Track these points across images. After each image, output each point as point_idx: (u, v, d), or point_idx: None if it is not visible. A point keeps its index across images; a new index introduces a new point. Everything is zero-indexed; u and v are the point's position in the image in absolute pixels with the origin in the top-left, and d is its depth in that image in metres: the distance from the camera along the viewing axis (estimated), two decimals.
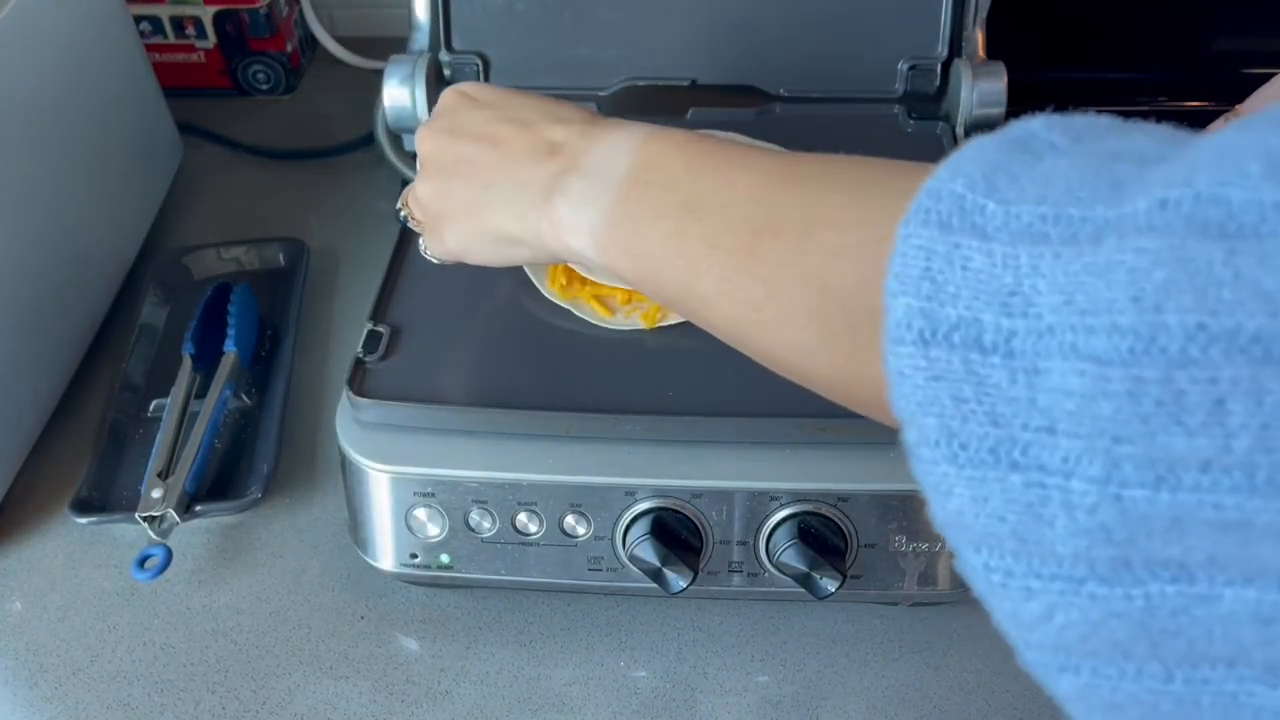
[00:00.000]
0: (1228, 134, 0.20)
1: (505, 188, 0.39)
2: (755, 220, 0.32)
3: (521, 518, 0.47)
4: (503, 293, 0.53)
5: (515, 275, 0.53)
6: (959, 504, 0.23)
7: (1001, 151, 0.24)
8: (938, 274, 0.23)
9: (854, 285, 0.28)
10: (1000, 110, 0.61)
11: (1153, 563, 0.20)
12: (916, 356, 0.23)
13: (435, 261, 0.45)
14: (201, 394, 0.59)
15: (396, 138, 0.69)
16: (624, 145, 0.37)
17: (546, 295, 0.52)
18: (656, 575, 0.45)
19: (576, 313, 0.51)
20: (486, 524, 0.48)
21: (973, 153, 0.25)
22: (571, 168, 0.37)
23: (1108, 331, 0.20)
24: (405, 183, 0.72)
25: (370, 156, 0.78)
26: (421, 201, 0.43)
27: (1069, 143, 0.24)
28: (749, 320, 0.32)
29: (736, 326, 0.33)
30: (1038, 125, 0.25)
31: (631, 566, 0.47)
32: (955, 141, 0.62)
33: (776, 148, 0.58)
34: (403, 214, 0.46)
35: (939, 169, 0.25)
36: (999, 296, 0.22)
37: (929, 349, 0.23)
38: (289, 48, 0.88)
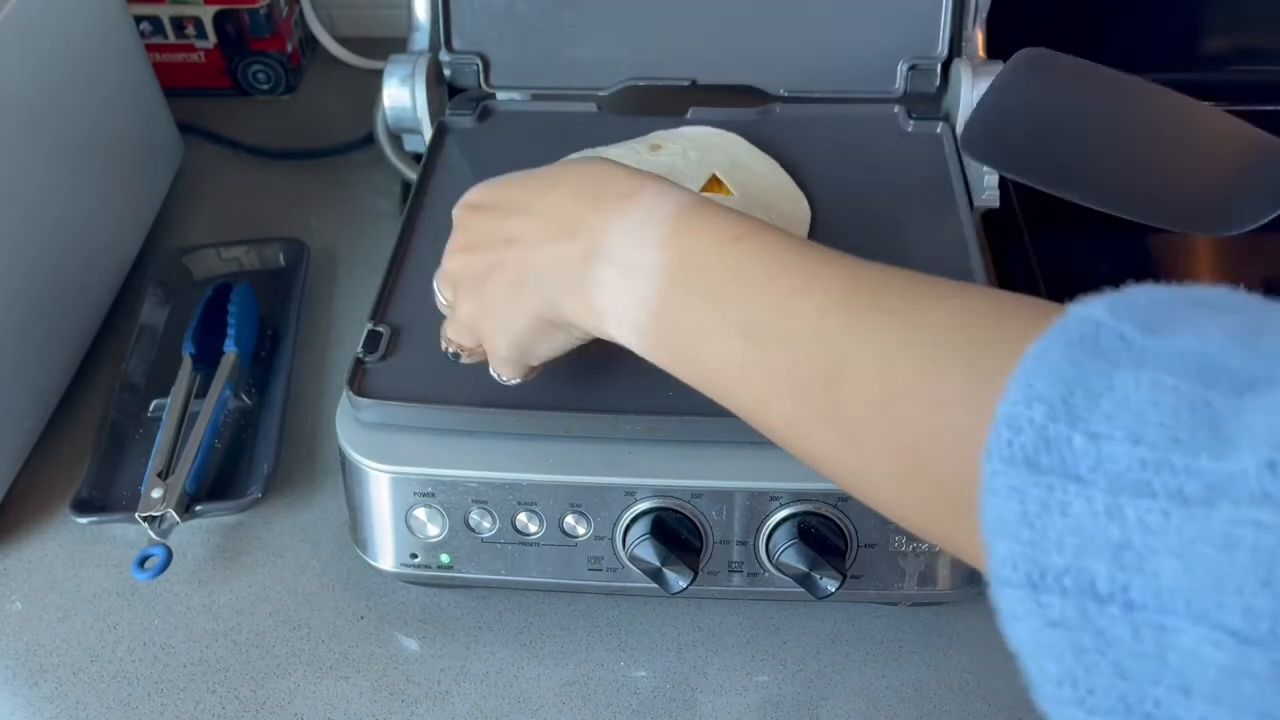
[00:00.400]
0: None
1: (535, 278, 0.37)
2: (828, 365, 0.29)
3: (521, 518, 0.47)
4: None
5: None
6: None
7: (1073, 362, 0.23)
8: (1035, 519, 0.22)
9: (944, 462, 0.26)
10: None
11: None
12: (1028, 601, 0.22)
13: (515, 383, 0.43)
14: (201, 394, 0.59)
15: (396, 138, 0.69)
16: (648, 226, 0.34)
17: None
18: (656, 575, 0.45)
19: None
20: (486, 524, 0.48)
21: (1040, 366, 0.23)
22: (596, 254, 0.35)
23: (1242, 611, 0.19)
24: (405, 185, 0.72)
25: (370, 156, 0.78)
26: (467, 324, 0.42)
27: (1141, 336, 0.23)
28: (825, 461, 0.31)
29: (809, 460, 0.32)
30: (1101, 313, 0.24)
31: (631, 566, 0.47)
32: (955, 142, 0.61)
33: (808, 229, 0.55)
34: (451, 350, 0.44)
35: (1011, 386, 0.23)
36: (1108, 549, 0.21)
37: (1039, 594, 0.22)
38: (289, 48, 0.88)
